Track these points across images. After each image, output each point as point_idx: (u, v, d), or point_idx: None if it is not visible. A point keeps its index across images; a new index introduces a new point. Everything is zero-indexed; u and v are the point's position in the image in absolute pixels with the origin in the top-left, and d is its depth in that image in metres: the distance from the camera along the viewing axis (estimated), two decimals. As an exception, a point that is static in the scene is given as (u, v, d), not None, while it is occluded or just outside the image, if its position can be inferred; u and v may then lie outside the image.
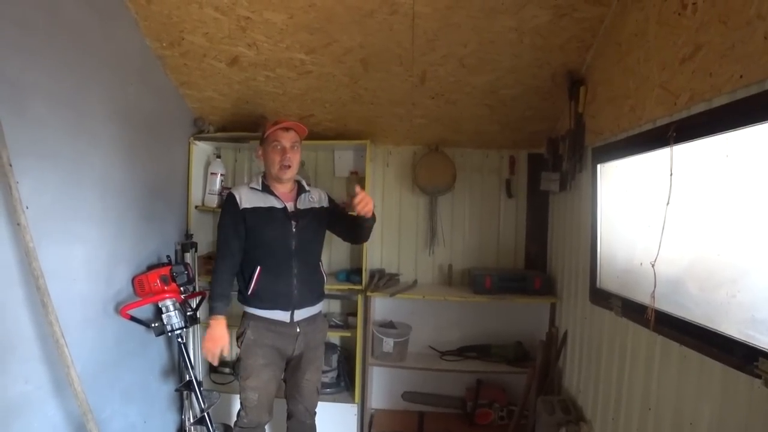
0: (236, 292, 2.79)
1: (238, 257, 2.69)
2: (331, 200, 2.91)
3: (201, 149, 3.97)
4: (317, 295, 2.84)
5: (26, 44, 2.17)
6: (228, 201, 2.69)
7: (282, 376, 2.86)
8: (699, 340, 1.79)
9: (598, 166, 2.80)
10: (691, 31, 1.90)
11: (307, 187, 2.83)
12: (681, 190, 1.96)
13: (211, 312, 2.62)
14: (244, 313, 2.73)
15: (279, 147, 2.63)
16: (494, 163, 4.10)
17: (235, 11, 2.76)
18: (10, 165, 1.96)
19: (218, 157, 4.10)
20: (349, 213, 2.79)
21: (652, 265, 2.04)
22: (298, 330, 2.71)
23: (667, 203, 1.97)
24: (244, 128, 3.83)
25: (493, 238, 4.12)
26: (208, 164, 4.04)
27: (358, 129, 3.88)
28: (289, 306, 2.68)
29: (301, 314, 2.72)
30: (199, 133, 3.86)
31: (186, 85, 3.50)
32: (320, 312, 2.90)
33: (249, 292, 2.66)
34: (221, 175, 3.98)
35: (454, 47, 2.93)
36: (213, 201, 3.90)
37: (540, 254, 3.98)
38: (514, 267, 4.09)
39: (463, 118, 3.67)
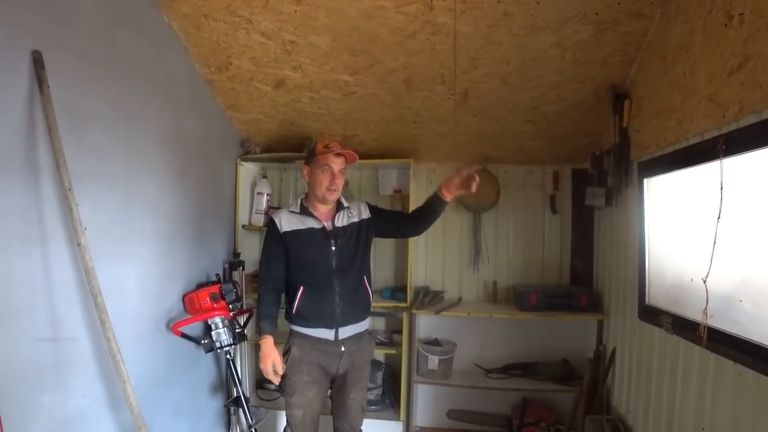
0: (284, 310, 2.82)
1: (280, 279, 2.74)
2: (373, 208, 2.88)
3: (247, 170, 4.07)
4: (362, 313, 2.80)
5: (85, 74, 2.29)
6: (269, 226, 2.77)
7: (327, 394, 2.86)
8: (755, 358, 1.74)
9: (645, 180, 2.76)
10: (738, 42, 1.87)
11: (345, 204, 2.81)
12: (732, 203, 1.91)
13: (259, 333, 2.68)
14: (291, 331, 2.77)
15: (329, 171, 2.64)
16: (538, 179, 4.08)
17: (280, 36, 2.85)
18: (71, 189, 2.06)
19: (264, 177, 4.21)
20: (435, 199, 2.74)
21: (704, 281, 1.99)
22: (342, 349, 2.70)
23: (718, 218, 1.93)
24: (289, 149, 3.91)
25: (538, 255, 4.09)
26: (254, 184, 4.14)
27: (402, 148, 3.91)
28: (333, 324, 2.68)
29: (345, 332, 2.71)
30: (246, 154, 3.96)
31: (233, 108, 3.62)
32: (366, 330, 2.88)
33: (294, 312, 2.70)
34: (267, 194, 4.06)
35: (496, 65, 2.95)
36: (259, 220, 3.99)
37: (586, 270, 3.92)
38: (560, 283, 4.03)
39: (506, 134, 3.67)
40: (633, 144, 2.96)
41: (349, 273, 2.74)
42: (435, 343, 3.90)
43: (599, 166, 3.43)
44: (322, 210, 2.75)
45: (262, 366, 2.63)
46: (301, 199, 2.78)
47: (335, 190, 2.67)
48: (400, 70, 3.06)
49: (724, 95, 1.97)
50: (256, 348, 4.12)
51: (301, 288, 2.68)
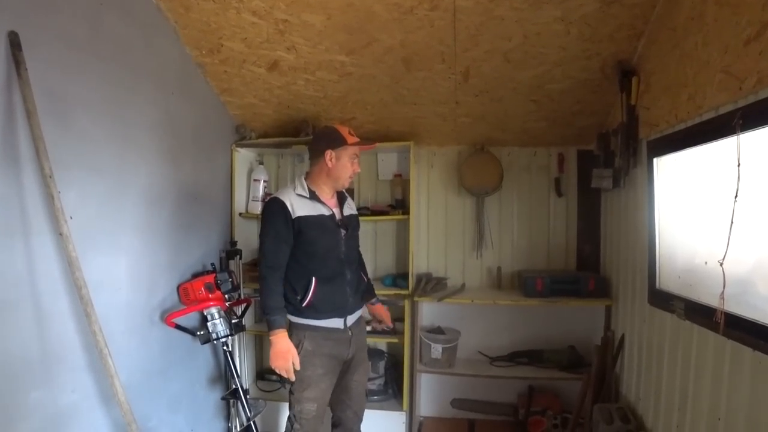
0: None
1: (285, 268, 2.60)
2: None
3: (243, 156, 3.99)
4: (361, 298, 2.85)
5: (70, 58, 2.20)
6: (276, 208, 2.54)
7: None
8: (776, 345, 1.64)
9: (655, 159, 2.67)
10: (756, 8, 1.76)
11: (345, 194, 2.82)
12: (748, 182, 1.81)
13: (270, 327, 2.48)
14: (296, 325, 2.62)
15: (356, 160, 2.65)
16: (542, 161, 3.98)
17: (272, 15, 2.74)
18: (51, 176, 1.97)
19: (261, 163, 4.11)
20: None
21: (721, 264, 1.89)
22: (350, 334, 2.68)
23: (735, 196, 1.83)
24: (285, 133, 3.81)
25: (543, 239, 4.00)
26: (251, 171, 4.05)
27: (401, 130, 3.82)
28: (344, 313, 2.65)
29: (351, 318, 2.70)
30: (242, 140, 3.87)
31: (227, 92, 3.51)
32: (362, 313, 2.89)
33: (304, 304, 2.57)
34: (264, 181, 3.97)
35: (497, 42, 2.84)
36: (256, 208, 3.88)
37: (593, 254, 3.83)
38: (566, 268, 3.95)
39: (509, 115, 3.57)
40: (641, 122, 2.85)
41: (353, 262, 2.76)
42: (438, 331, 3.82)
43: (606, 146, 3.32)
44: (326, 196, 2.67)
45: (280, 364, 2.47)
46: (306, 183, 2.65)
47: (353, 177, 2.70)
48: (398, 49, 2.95)
49: (741, 66, 1.85)
50: (256, 339, 4.10)
51: (314, 279, 2.56)
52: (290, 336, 2.58)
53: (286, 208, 2.53)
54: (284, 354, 2.47)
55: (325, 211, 2.61)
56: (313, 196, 2.60)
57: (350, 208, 2.81)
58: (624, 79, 2.93)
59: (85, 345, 2.26)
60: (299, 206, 2.56)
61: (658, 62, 2.63)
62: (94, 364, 2.29)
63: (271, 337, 2.49)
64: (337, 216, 2.67)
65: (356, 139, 2.62)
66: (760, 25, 1.72)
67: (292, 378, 2.52)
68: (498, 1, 2.54)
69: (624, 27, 2.69)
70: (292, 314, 2.63)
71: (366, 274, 2.98)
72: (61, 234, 2.00)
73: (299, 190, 2.61)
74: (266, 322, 2.52)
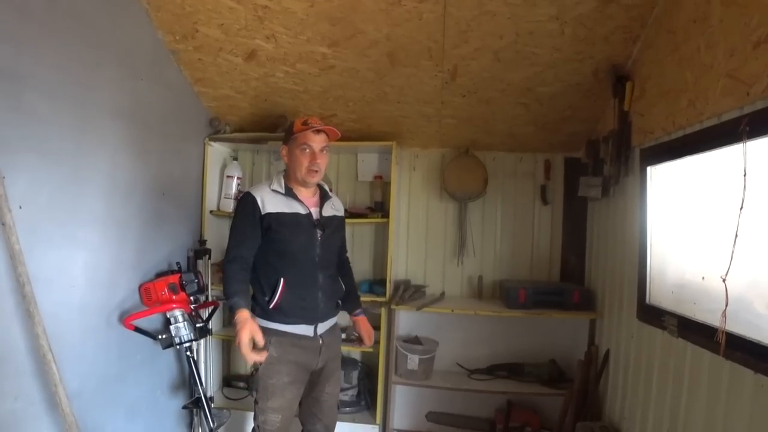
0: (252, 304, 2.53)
1: (250, 261, 2.44)
2: (344, 213, 2.80)
3: (217, 151, 3.80)
4: (336, 305, 2.66)
5: (23, 32, 2.03)
6: (246, 203, 2.44)
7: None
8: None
9: (648, 168, 2.57)
10: (767, 8, 1.65)
11: (330, 193, 2.65)
12: (752, 193, 1.71)
13: (231, 309, 2.25)
14: (263, 329, 2.36)
15: (308, 150, 2.41)
16: (528, 167, 3.87)
17: (251, 0, 2.58)
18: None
19: (235, 159, 3.95)
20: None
21: (723, 280, 1.77)
22: (321, 342, 2.51)
23: (741, 208, 1.71)
24: (262, 128, 3.66)
25: (527, 248, 3.88)
26: (224, 167, 3.89)
27: (383, 130, 3.68)
28: (314, 320, 2.49)
29: (323, 326, 2.53)
30: (215, 134, 3.70)
31: (201, 82, 3.34)
32: (337, 321, 2.71)
33: (271, 306, 2.41)
34: (238, 178, 3.80)
35: (488, 39, 2.71)
36: (229, 205, 3.72)
37: (578, 266, 3.73)
38: (550, 279, 3.84)
39: (497, 118, 3.45)
40: (635, 129, 2.75)
41: (329, 266, 2.59)
42: (415, 341, 3.68)
43: (595, 154, 3.23)
44: (305, 194, 2.52)
45: (238, 339, 2.16)
46: (284, 179, 2.51)
47: (317, 171, 2.45)
48: (383, 42, 2.81)
49: (749, 70, 1.75)
50: (223, 343, 3.91)
51: (282, 280, 2.41)
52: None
53: (256, 203, 2.40)
54: (241, 327, 2.17)
55: (301, 210, 2.46)
56: (289, 193, 2.46)
57: (333, 209, 2.63)
58: (617, 84, 2.84)
59: (30, 348, 2.07)
60: (272, 202, 2.42)
61: (654, 67, 2.54)
62: (41, 369, 2.11)
63: (235, 320, 2.22)
64: (315, 216, 2.51)
65: (304, 128, 2.40)
66: (773, 26, 1.62)
67: (252, 358, 2.21)
68: (491, -6, 2.42)
69: (620, 29, 2.59)
70: (261, 317, 2.44)
71: (352, 280, 2.85)
72: (3, 224, 1.81)
73: (275, 186, 2.47)
74: (229, 311, 2.32)
